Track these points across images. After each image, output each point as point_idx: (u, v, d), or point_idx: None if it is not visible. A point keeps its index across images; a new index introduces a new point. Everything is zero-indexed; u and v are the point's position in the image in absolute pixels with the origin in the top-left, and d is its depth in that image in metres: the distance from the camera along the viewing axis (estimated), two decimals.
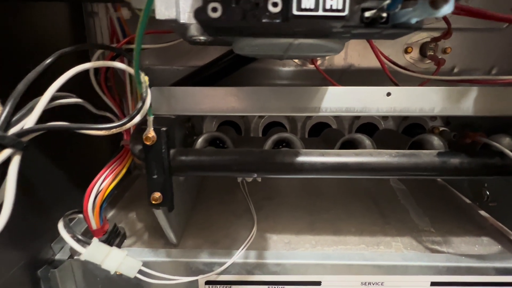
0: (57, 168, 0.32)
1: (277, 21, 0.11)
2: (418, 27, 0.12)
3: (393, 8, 0.11)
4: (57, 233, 0.31)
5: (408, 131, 0.45)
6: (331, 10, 0.11)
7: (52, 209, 0.30)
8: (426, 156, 0.25)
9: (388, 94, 0.23)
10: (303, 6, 0.11)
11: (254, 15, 0.11)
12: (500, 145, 0.25)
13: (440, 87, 0.24)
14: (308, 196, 0.42)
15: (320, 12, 0.11)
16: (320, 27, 0.12)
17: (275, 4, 0.11)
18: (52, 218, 0.29)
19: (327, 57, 0.38)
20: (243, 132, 0.46)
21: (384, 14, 0.11)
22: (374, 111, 0.24)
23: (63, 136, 0.32)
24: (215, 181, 0.47)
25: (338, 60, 0.38)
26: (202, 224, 0.35)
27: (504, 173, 0.25)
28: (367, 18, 0.11)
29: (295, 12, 0.11)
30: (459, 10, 0.22)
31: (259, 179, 0.33)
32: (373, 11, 0.11)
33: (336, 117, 0.45)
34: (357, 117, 0.45)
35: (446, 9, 0.09)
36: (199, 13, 0.11)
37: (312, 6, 0.11)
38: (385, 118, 0.45)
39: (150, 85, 0.22)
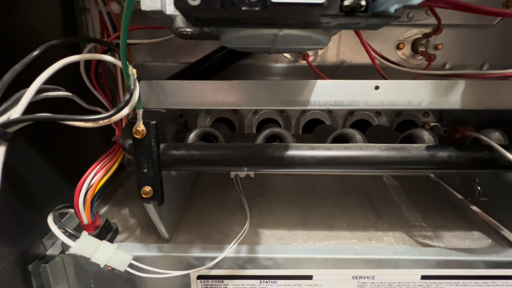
0: (49, 164, 0.32)
1: (256, 8, 0.11)
2: (397, 16, 0.12)
3: None
4: (48, 229, 0.31)
5: (401, 127, 0.45)
6: None
7: (43, 204, 0.30)
8: (414, 150, 0.25)
9: (377, 87, 0.23)
10: None
11: (234, 3, 0.11)
12: (487, 139, 0.25)
13: (427, 81, 0.24)
14: (301, 193, 0.42)
15: (298, 0, 0.11)
16: (300, 15, 0.12)
17: None
18: (43, 213, 0.29)
19: (319, 54, 0.38)
20: (237, 129, 0.46)
21: (363, 3, 0.11)
22: (363, 104, 0.24)
23: (55, 131, 0.32)
24: (209, 177, 0.47)
25: (331, 56, 0.38)
26: (195, 220, 0.35)
27: (492, 166, 0.25)
28: (347, 6, 0.12)
29: None
30: (446, 4, 0.22)
31: (252, 175, 0.34)
32: (352, 0, 0.11)
33: (329, 114, 0.46)
34: (351, 114, 0.45)
35: None
36: (179, 1, 0.11)
37: None
38: (378, 114, 0.45)
39: (139, 78, 0.22)
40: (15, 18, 0.27)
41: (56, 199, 0.30)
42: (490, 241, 0.32)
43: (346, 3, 0.12)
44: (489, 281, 0.29)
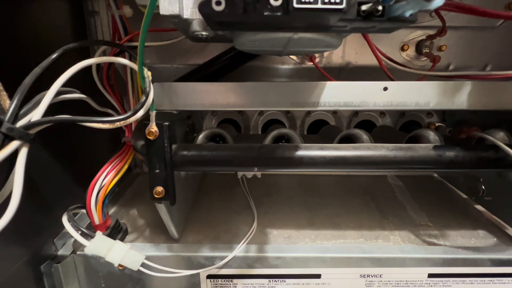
0: (58, 165, 0.32)
1: (278, 13, 0.12)
2: (412, 21, 0.13)
3: (388, 1, 0.11)
4: (59, 229, 0.31)
5: (405, 128, 0.46)
6: (330, 3, 0.11)
7: (54, 205, 0.30)
8: (422, 150, 0.25)
9: (385, 88, 0.24)
10: None
11: (256, 8, 0.12)
12: (494, 139, 0.26)
13: (434, 82, 0.24)
14: (307, 193, 0.43)
15: (319, 5, 0.12)
16: (319, 20, 0.13)
17: None
18: (54, 214, 0.29)
19: (325, 55, 0.39)
20: (243, 130, 0.47)
21: (380, 8, 0.12)
22: (372, 105, 0.24)
23: (64, 134, 0.33)
24: (215, 178, 0.47)
25: (336, 58, 0.39)
26: (203, 220, 0.36)
27: (498, 166, 0.26)
28: (364, 11, 0.12)
29: (295, 5, 0.12)
30: (452, 7, 0.22)
31: (259, 176, 0.34)
32: (369, 5, 0.12)
33: (334, 114, 0.46)
34: (355, 114, 0.46)
35: (438, 2, 0.10)
36: (204, 7, 0.12)
37: None
38: (382, 115, 0.46)
39: (152, 81, 0.22)
40: (24, 21, 0.27)
41: (65, 199, 0.31)
42: (495, 239, 0.32)
43: (363, 7, 0.12)
44: (495, 279, 0.29)
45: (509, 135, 0.30)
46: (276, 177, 0.48)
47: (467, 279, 0.30)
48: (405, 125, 0.46)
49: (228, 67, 0.35)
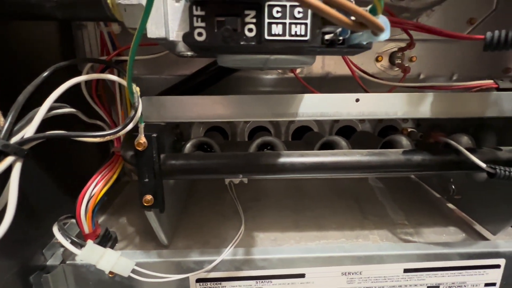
0: (46, 177, 0.32)
1: (252, 43, 0.13)
2: (368, 48, 0.15)
3: (344, 34, 0.14)
4: (47, 240, 0.32)
5: (383, 132, 0.49)
6: (296, 35, 0.13)
7: (41, 216, 0.31)
8: (393, 155, 0.28)
9: (357, 100, 0.26)
10: (273, 32, 0.13)
11: (233, 38, 0.13)
12: (456, 143, 0.28)
13: (401, 94, 0.27)
14: (293, 197, 0.45)
15: (287, 37, 0.13)
16: (289, 47, 0.14)
17: (250, 30, 0.13)
18: (42, 224, 0.30)
19: (306, 66, 0.41)
20: (230, 137, 0.48)
21: (341, 38, 0.14)
22: (345, 115, 0.26)
23: (52, 144, 0.33)
24: (204, 184, 0.48)
25: (317, 68, 0.41)
26: (192, 226, 0.37)
27: (460, 168, 0.29)
28: (327, 40, 0.14)
29: (266, 37, 0.13)
30: (414, 26, 0.25)
31: (246, 181, 0.35)
32: (331, 35, 0.14)
33: (317, 121, 0.48)
34: (337, 121, 0.48)
35: (384, 36, 0.12)
36: (187, 37, 0.13)
37: (280, 32, 0.13)
38: (362, 121, 0.48)
39: (140, 95, 0.23)
40: (12, 38, 0.28)
41: (54, 210, 0.31)
42: (464, 235, 0.35)
43: (326, 37, 0.14)
44: (463, 271, 0.32)
45: (472, 139, 0.33)
46: (264, 181, 0.49)
47: (439, 273, 0.32)
48: (383, 130, 0.49)
49: (213, 78, 0.37)
